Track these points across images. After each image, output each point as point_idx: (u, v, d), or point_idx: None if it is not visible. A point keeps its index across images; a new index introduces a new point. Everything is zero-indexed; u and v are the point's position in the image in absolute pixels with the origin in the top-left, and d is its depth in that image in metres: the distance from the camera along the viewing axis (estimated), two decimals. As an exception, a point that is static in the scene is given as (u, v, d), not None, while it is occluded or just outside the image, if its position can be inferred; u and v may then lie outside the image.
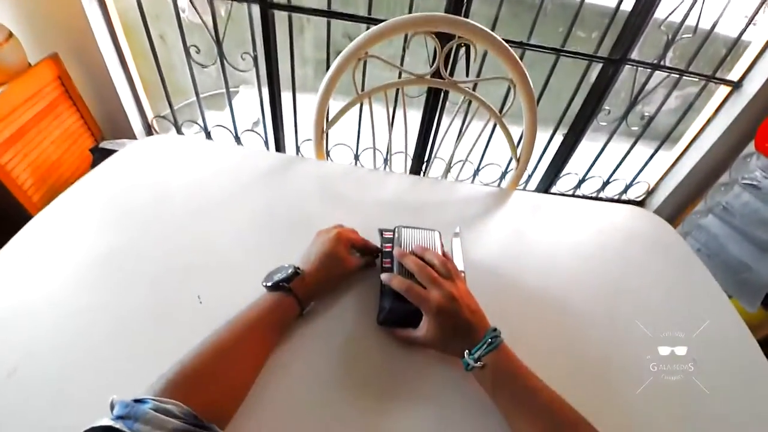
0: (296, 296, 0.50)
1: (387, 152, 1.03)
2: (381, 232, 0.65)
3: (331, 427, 0.45)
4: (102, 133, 1.70)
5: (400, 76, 0.91)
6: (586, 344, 0.57)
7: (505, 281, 0.65)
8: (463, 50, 1.31)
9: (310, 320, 0.54)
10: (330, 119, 0.88)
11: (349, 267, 0.58)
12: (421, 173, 1.15)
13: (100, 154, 1.57)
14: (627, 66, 1.54)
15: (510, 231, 0.76)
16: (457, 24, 0.77)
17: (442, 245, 0.61)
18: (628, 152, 1.83)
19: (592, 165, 1.87)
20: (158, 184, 0.73)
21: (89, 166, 1.60)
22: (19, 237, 0.60)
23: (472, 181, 1.84)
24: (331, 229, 0.60)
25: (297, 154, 1.81)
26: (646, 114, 1.76)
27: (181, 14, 1.48)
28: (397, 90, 1.49)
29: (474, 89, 0.88)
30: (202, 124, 1.75)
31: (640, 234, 0.82)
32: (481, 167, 1.81)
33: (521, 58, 1.47)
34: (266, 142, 1.79)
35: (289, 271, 0.52)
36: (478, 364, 0.45)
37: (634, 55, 1.54)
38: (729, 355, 0.61)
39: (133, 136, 1.73)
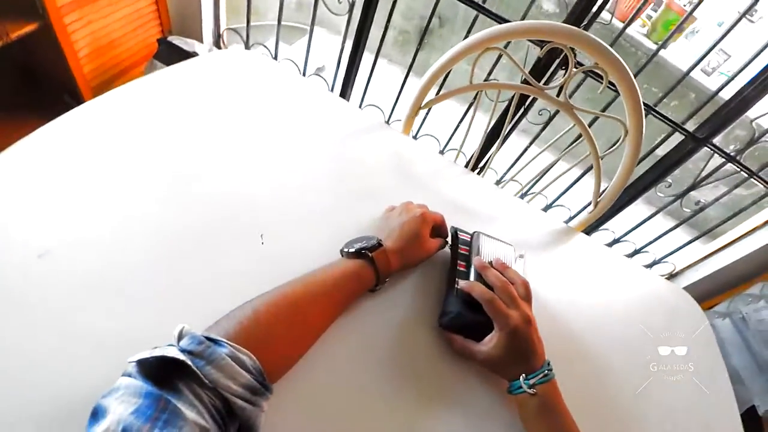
0: (376, 268, 0.49)
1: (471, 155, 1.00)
2: (456, 231, 0.62)
3: (360, 414, 0.44)
4: (171, 28, 1.64)
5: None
6: (585, 344, 0.57)
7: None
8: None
9: (373, 297, 0.52)
10: (430, 100, 0.84)
11: (431, 250, 0.57)
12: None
13: (165, 48, 1.52)
14: (705, 148, 1.51)
15: (567, 275, 0.73)
16: (599, 50, 0.72)
17: (515, 260, 0.60)
18: (671, 230, 1.81)
19: (632, 229, 1.85)
20: (223, 100, 0.69)
21: (152, 55, 1.55)
22: (69, 116, 0.55)
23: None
24: (414, 208, 0.58)
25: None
26: (702, 200, 1.72)
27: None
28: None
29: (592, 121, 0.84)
30: (273, 52, 1.68)
31: (678, 315, 0.78)
32: (553, 204, 1.77)
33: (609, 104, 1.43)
34: (332, 91, 1.73)
35: (372, 241, 0.51)
36: (531, 390, 0.46)
37: (717, 140, 1.50)
38: None
39: (200, 40, 1.67)
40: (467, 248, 0.59)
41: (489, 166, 1.10)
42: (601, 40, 0.71)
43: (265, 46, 1.71)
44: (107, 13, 1.36)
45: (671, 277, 1.99)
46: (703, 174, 1.61)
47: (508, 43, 1.21)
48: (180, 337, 0.32)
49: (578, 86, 1.36)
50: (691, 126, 1.49)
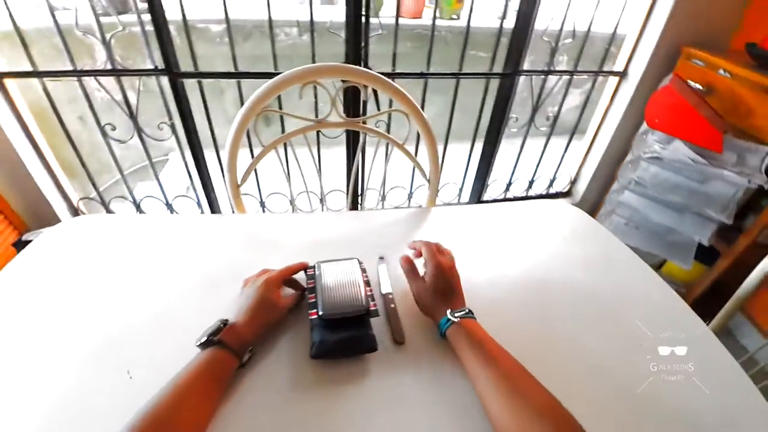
0: (229, 347, 0.51)
1: (321, 193, 1.08)
2: (305, 271, 0.68)
3: None
4: (26, 226, 1.64)
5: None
6: (585, 344, 0.60)
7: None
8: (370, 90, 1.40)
9: (249, 368, 0.55)
10: (244, 173, 0.92)
11: (284, 310, 0.60)
12: (358, 207, 1.20)
13: (24, 247, 1.50)
14: (522, 77, 1.70)
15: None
16: (342, 71, 0.84)
17: (362, 271, 0.65)
18: (543, 151, 1.98)
19: (514, 169, 2.01)
20: (79, 265, 0.73)
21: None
22: None
23: (408, 205, 1.91)
24: (258, 278, 0.62)
25: (232, 211, 1.82)
26: (551, 114, 1.92)
27: (96, 93, 1.49)
28: (318, 133, 1.56)
29: (389, 124, 0.93)
30: (131, 198, 1.73)
31: (560, 225, 0.90)
32: (413, 190, 1.88)
33: (425, 86, 1.59)
34: (199, 204, 1.79)
35: (216, 324, 0.53)
36: (457, 320, 0.55)
37: (527, 65, 1.70)
38: (659, 317, 0.67)
39: (58, 223, 1.68)
40: (312, 281, 0.64)
41: (367, 189, 1.18)
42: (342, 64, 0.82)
43: (125, 198, 1.75)
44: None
45: (572, 184, 2.17)
46: (535, 94, 1.80)
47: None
48: None
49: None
50: (500, 68, 1.68)
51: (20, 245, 1.52)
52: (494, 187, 2.05)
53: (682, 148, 1.55)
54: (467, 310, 0.57)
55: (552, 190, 2.18)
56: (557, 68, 1.76)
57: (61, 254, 0.76)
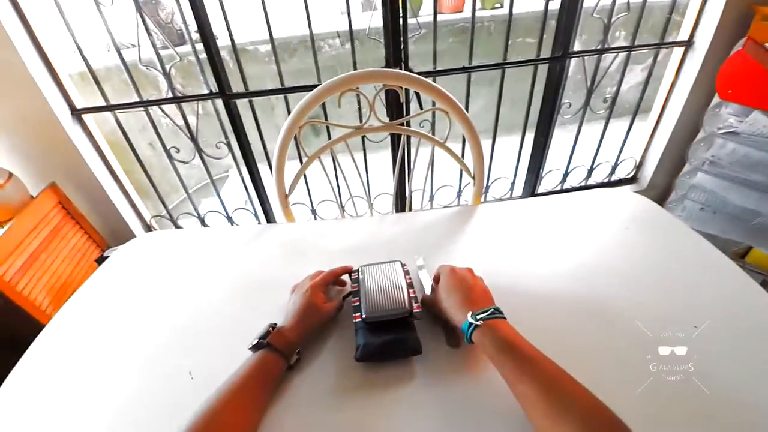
0: (277, 349, 0.54)
1: (368, 197, 1.10)
2: (350, 275, 0.69)
3: None
4: (107, 243, 1.82)
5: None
6: (584, 345, 0.57)
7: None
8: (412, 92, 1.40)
9: (297, 371, 0.57)
10: (291, 184, 0.95)
11: (327, 313, 0.62)
12: (406, 208, 1.20)
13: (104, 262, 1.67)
14: (573, 59, 1.61)
15: (478, 245, 0.79)
16: (376, 76, 0.85)
17: (405, 273, 0.65)
18: (602, 135, 1.86)
19: (570, 157, 1.90)
20: (149, 276, 0.81)
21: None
22: (32, 348, 0.68)
23: (458, 203, 1.88)
24: (304, 283, 0.65)
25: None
26: (610, 96, 1.80)
27: (162, 120, 1.63)
28: (363, 138, 1.58)
29: (433, 125, 0.92)
30: (196, 214, 1.86)
31: (621, 215, 0.84)
32: (462, 188, 1.85)
33: (468, 80, 1.56)
34: (256, 216, 1.88)
35: (264, 330, 0.56)
36: (479, 323, 0.50)
37: (578, 46, 1.60)
38: (737, 315, 0.61)
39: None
40: (356, 285, 0.65)
41: (413, 191, 1.18)
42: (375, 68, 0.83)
43: (191, 214, 1.89)
44: (49, 263, 1.53)
45: (637, 169, 2.01)
46: (589, 77, 1.70)
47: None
48: None
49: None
50: (547, 52, 1.60)
51: (102, 261, 1.69)
52: (549, 179, 1.95)
53: (762, 119, 1.38)
54: (491, 310, 0.51)
55: (615, 177, 2.04)
56: (612, 45, 1.64)
57: (135, 267, 0.84)
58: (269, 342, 0.54)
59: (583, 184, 2.01)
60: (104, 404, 0.57)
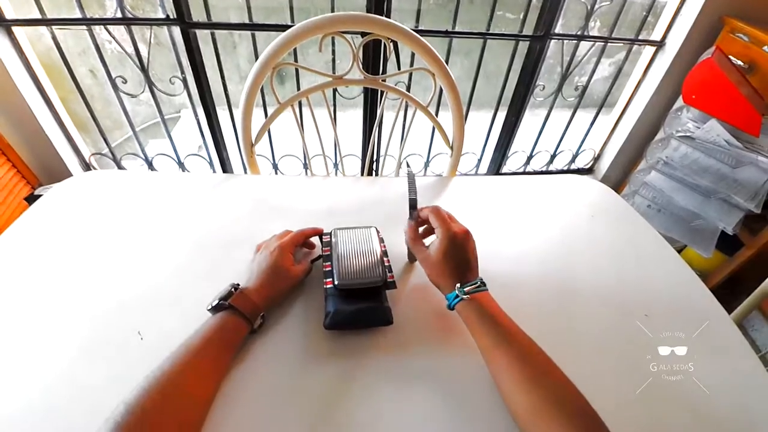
0: (240, 312, 0.50)
1: (336, 157, 1.04)
2: (321, 237, 0.65)
3: None
4: (39, 180, 1.63)
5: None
6: (585, 344, 0.57)
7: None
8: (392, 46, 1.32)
9: (260, 335, 0.53)
10: (258, 132, 0.87)
11: (296, 276, 0.58)
12: (373, 173, 1.15)
13: (36, 202, 1.50)
14: (553, 41, 1.59)
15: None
16: (366, 21, 0.77)
17: (380, 240, 0.62)
18: (568, 124, 1.89)
19: (536, 141, 1.92)
20: (91, 220, 0.71)
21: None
22: None
23: (424, 173, 1.85)
24: (271, 242, 0.60)
25: (245, 171, 1.79)
26: (580, 84, 1.82)
27: (107, 45, 1.44)
28: (334, 91, 1.50)
29: (409, 84, 0.88)
30: (143, 156, 1.70)
31: (585, 202, 0.85)
32: (430, 159, 1.83)
33: (449, 46, 1.50)
34: (211, 164, 1.76)
35: (228, 289, 0.51)
36: (466, 296, 0.49)
37: (559, 29, 1.59)
38: (681, 305, 0.64)
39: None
40: (328, 248, 0.62)
41: (384, 155, 1.13)
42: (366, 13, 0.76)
43: (137, 155, 1.73)
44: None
45: (595, 161, 2.08)
46: (566, 62, 1.70)
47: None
48: None
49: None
50: (530, 30, 1.58)
51: (33, 200, 1.51)
52: (514, 159, 1.98)
53: (718, 128, 1.45)
54: (478, 283, 0.51)
55: (574, 166, 2.10)
56: (591, 34, 1.65)
57: (72, 209, 0.74)
58: (231, 303, 0.50)
59: (544, 168, 2.05)
60: (38, 368, 0.50)
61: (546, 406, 0.40)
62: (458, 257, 0.53)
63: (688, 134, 1.57)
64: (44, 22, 1.33)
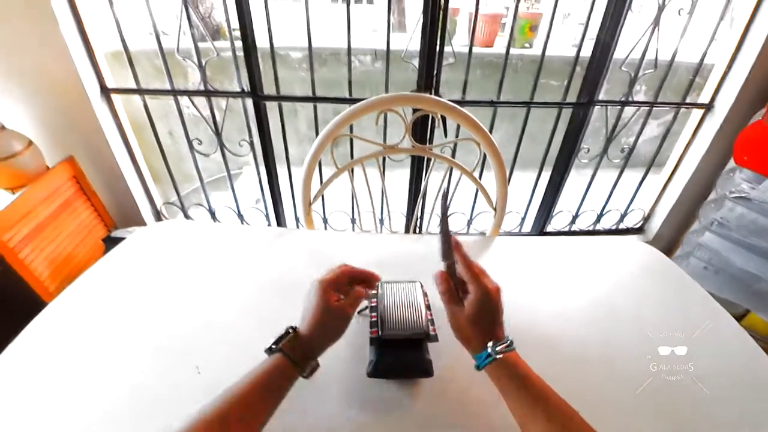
0: (288, 356, 0.49)
1: (382, 214, 1.11)
2: (367, 291, 0.70)
3: None
4: (115, 223, 1.82)
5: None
6: (584, 344, 0.59)
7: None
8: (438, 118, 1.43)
9: (314, 382, 0.55)
10: (316, 193, 0.96)
11: (345, 314, 0.55)
12: (417, 230, 1.20)
13: (111, 243, 1.67)
14: (597, 107, 1.64)
15: (493, 276, 0.78)
16: (416, 99, 0.87)
17: (424, 294, 0.66)
18: (615, 183, 1.89)
19: (582, 200, 1.92)
20: (161, 266, 0.80)
21: (102, 254, 1.70)
22: (33, 324, 0.66)
23: (467, 231, 1.89)
24: (315, 281, 0.58)
25: (297, 225, 1.91)
26: (626, 146, 1.83)
27: (186, 110, 1.64)
28: (384, 158, 1.60)
29: (454, 150, 0.94)
30: (208, 207, 1.86)
31: (632, 264, 0.85)
32: (473, 217, 1.87)
33: (494, 114, 1.59)
34: (267, 217, 1.89)
35: (282, 332, 0.52)
36: (499, 356, 0.49)
37: (603, 95, 1.64)
38: (736, 369, 0.61)
39: (143, 224, 1.85)
40: (375, 300, 0.65)
41: (425, 214, 1.19)
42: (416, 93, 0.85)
43: (203, 206, 1.90)
44: (55, 235, 1.52)
45: (645, 220, 2.03)
46: (611, 125, 1.73)
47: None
48: None
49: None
50: (574, 97, 1.64)
51: (108, 241, 1.69)
52: (559, 219, 1.98)
53: (775, 188, 1.41)
54: (509, 342, 0.50)
55: (622, 226, 2.06)
56: (635, 99, 1.68)
57: (147, 254, 0.84)
58: (281, 347, 0.50)
59: (590, 228, 2.03)
60: (103, 394, 0.56)
61: None
62: (491, 315, 0.52)
63: (743, 195, 1.53)
64: (138, 91, 1.55)
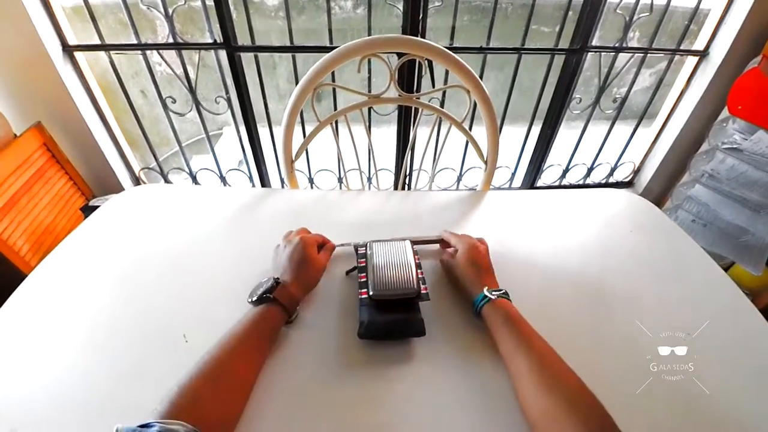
0: (281, 304, 0.53)
1: (369, 171, 1.06)
2: (356, 248, 0.67)
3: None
4: (92, 192, 1.74)
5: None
6: (584, 344, 0.57)
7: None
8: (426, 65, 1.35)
9: (296, 341, 0.56)
10: (298, 149, 0.91)
11: (322, 266, 0.62)
12: (405, 187, 1.17)
13: (90, 212, 1.60)
14: (590, 53, 1.57)
15: (486, 231, 0.76)
16: (402, 42, 0.80)
17: (414, 253, 0.63)
18: (606, 136, 1.85)
19: (573, 154, 1.89)
20: (141, 232, 0.77)
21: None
22: (13, 299, 0.63)
23: (457, 187, 1.86)
24: (293, 236, 0.64)
25: (282, 186, 1.85)
26: (619, 96, 1.78)
27: (158, 68, 1.54)
28: (370, 110, 1.53)
29: (443, 100, 0.90)
30: (188, 170, 1.79)
31: (623, 216, 0.83)
32: (463, 173, 1.83)
33: (483, 62, 1.52)
34: (251, 178, 1.83)
35: (270, 282, 0.55)
36: (495, 296, 0.54)
37: (596, 41, 1.57)
38: (727, 326, 0.61)
39: (121, 191, 1.78)
40: (364, 260, 0.63)
41: (414, 170, 1.16)
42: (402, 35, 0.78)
43: (183, 170, 1.82)
44: (31, 207, 1.46)
45: (635, 173, 2.02)
46: (604, 73, 1.67)
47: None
48: None
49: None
50: (566, 43, 1.57)
51: (87, 210, 1.62)
52: (549, 173, 1.95)
53: (767, 139, 1.39)
54: (503, 291, 0.55)
55: (612, 180, 2.05)
56: (629, 45, 1.62)
57: (125, 220, 0.80)
58: (275, 297, 0.53)
59: (581, 182, 2.01)
60: (87, 364, 0.54)
61: (559, 410, 0.41)
62: (480, 262, 0.60)
63: (734, 146, 1.51)
64: (103, 47, 1.44)
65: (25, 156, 1.44)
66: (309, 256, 0.60)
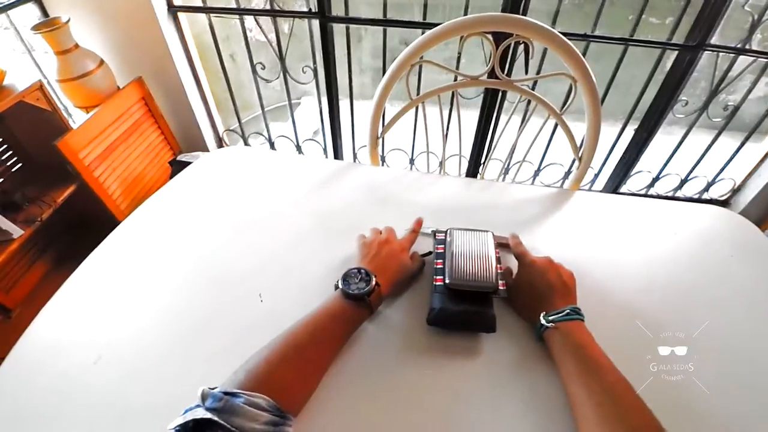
0: (371, 307, 0.53)
1: (442, 155, 1.03)
2: (434, 234, 0.66)
3: (379, 419, 0.48)
4: (180, 147, 1.86)
5: (456, 79, 0.90)
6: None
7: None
8: (522, 48, 1.28)
9: (367, 321, 0.55)
10: (385, 125, 0.90)
11: (414, 274, 0.62)
12: (477, 176, 1.12)
13: (177, 166, 1.72)
14: (706, 52, 1.41)
15: (570, 234, 0.72)
16: (511, 22, 0.76)
17: (495, 246, 0.61)
18: (710, 146, 1.67)
19: (668, 161, 1.73)
20: (225, 192, 0.81)
21: (168, 177, 1.76)
22: (107, 242, 0.69)
23: (533, 182, 1.77)
24: (392, 239, 0.62)
25: (354, 160, 1.87)
26: (731, 104, 1.59)
27: (248, 33, 1.59)
28: (453, 93, 1.49)
29: (533, 87, 0.85)
30: (267, 136, 1.85)
31: (720, 237, 0.74)
32: (541, 168, 1.74)
33: (585, 51, 1.41)
34: (325, 150, 1.86)
35: (371, 284, 0.53)
36: (550, 325, 0.50)
37: (715, 39, 1.40)
38: None
39: (206, 149, 1.88)
40: (442, 246, 0.62)
41: (490, 159, 1.11)
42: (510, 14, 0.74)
43: (262, 134, 1.89)
44: (126, 156, 1.59)
45: (734, 192, 1.82)
46: (718, 76, 1.50)
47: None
48: (203, 397, 0.38)
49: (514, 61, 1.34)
50: (680, 38, 1.42)
51: (174, 164, 1.74)
52: (636, 179, 1.80)
53: None
54: (567, 311, 0.50)
55: (706, 196, 1.86)
56: (752, 48, 1.43)
57: (211, 180, 0.84)
58: (370, 301, 0.52)
59: (670, 194, 1.84)
60: (168, 314, 0.58)
61: None
62: (537, 283, 0.55)
63: None
64: (204, 9, 1.51)
65: (125, 107, 1.56)
66: (408, 268, 0.60)
